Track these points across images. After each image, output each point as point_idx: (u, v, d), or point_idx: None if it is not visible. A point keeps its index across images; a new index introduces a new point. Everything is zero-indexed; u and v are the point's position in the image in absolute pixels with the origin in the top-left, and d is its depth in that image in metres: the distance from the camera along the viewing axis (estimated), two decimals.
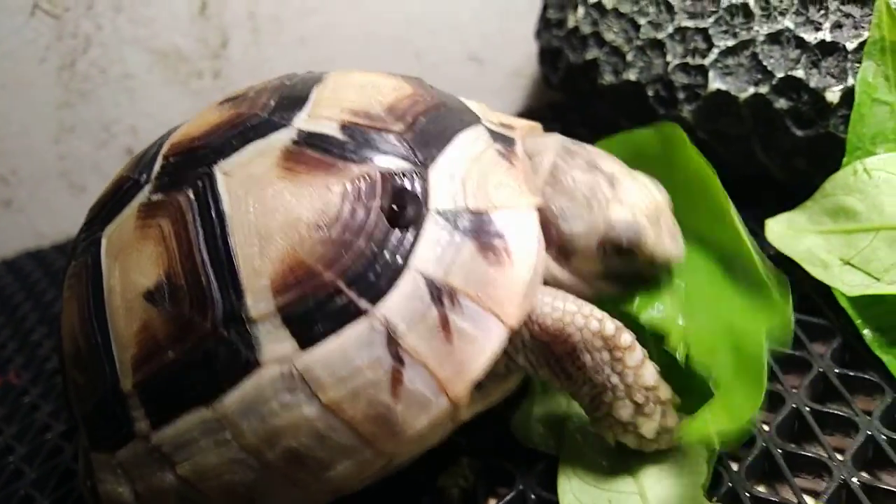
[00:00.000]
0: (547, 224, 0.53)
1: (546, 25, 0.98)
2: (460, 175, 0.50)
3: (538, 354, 0.51)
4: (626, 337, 0.50)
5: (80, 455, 0.58)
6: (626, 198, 0.53)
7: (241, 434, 0.47)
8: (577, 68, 0.89)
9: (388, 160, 0.49)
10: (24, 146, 1.14)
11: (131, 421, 0.51)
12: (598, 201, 0.53)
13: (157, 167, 0.54)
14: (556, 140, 0.58)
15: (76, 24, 1.10)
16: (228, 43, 1.15)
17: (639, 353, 0.51)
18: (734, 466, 0.54)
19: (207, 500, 0.49)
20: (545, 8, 1.00)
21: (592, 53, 0.86)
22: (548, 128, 0.65)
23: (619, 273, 0.55)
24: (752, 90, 0.73)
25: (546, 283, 0.53)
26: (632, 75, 0.82)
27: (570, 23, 0.90)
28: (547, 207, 0.53)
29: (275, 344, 0.46)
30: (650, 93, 0.81)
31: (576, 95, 0.96)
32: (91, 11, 1.10)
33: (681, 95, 0.78)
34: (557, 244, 0.53)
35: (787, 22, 0.72)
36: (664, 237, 0.54)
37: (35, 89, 1.12)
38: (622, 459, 0.54)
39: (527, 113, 1.20)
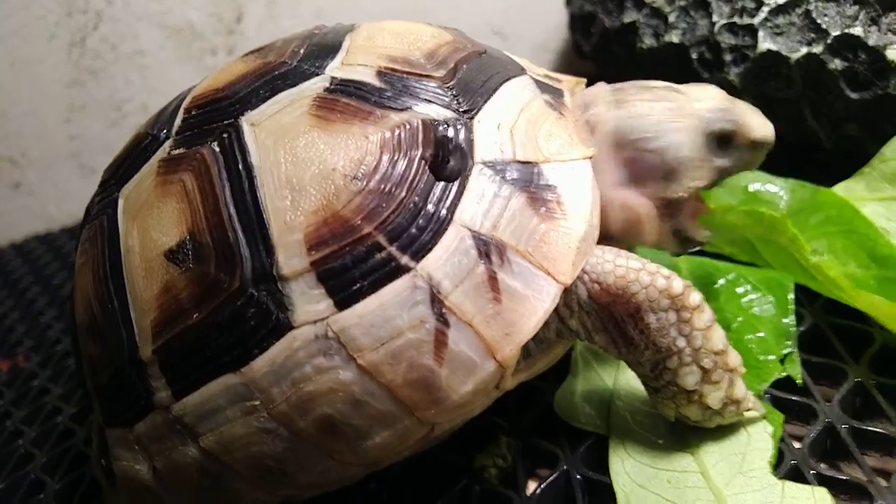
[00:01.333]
0: (638, 158, 0.51)
1: None
2: (507, 124, 0.46)
3: (595, 317, 0.48)
4: (695, 296, 0.47)
5: (95, 433, 0.55)
6: (696, 94, 0.53)
7: (271, 401, 0.44)
8: (613, 33, 0.86)
9: (430, 108, 0.46)
10: (34, 126, 1.12)
11: (151, 391, 0.47)
12: (678, 106, 0.52)
13: (177, 121, 0.51)
14: (602, 85, 0.56)
15: None
16: (243, 17, 1.12)
17: (708, 314, 0.47)
18: (797, 444, 0.50)
19: (233, 474, 0.46)
20: None
21: (631, 16, 0.83)
22: None
23: (727, 172, 0.54)
24: (804, 50, 0.70)
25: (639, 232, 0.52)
26: (674, 37, 0.79)
27: None
28: (632, 138, 0.51)
29: (309, 304, 0.43)
30: (694, 55, 0.78)
31: (610, 63, 0.93)
32: None
33: (727, 57, 0.75)
34: (661, 169, 0.51)
35: None
36: (749, 112, 0.54)
37: (44, 67, 1.10)
38: (678, 437, 0.50)
39: None
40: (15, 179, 1.14)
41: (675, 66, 0.80)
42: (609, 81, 1.00)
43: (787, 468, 0.48)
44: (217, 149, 0.46)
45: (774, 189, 0.65)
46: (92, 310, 0.51)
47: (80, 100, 1.12)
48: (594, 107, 0.53)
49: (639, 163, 0.51)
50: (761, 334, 0.57)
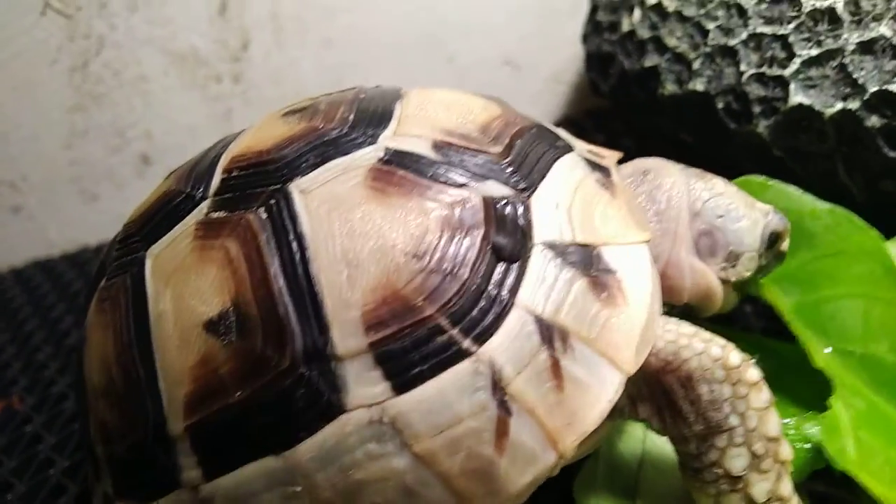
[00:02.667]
0: (711, 232, 0.53)
1: (596, 29, 0.92)
2: (565, 205, 0.45)
3: (642, 387, 0.47)
4: (754, 372, 0.45)
5: (101, 502, 0.52)
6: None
7: (315, 487, 0.41)
8: (633, 76, 0.84)
9: (489, 185, 0.45)
10: (35, 151, 1.08)
11: (178, 468, 0.44)
12: (747, 199, 0.55)
13: (215, 181, 0.48)
14: (660, 160, 0.57)
15: (89, 24, 1.04)
16: (249, 45, 1.10)
17: (766, 394, 0.45)
18: None
19: None
20: (594, 10, 0.94)
21: (652, 60, 0.81)
22: (591, 138, 0.61)
23: (759, 271, 0.56)
24: (839, 106, 0.67)
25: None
26: (699, 85, 0.76)
27: (625, 26, 0.85)
28: (708, 214, 0.54)
29: (365, 386, 0.40)
30: (720, 104, 0.75)
31: (628, 105, 0.91)
32: (104, 11, 1.04)
33: (756, 109, 0.73)
34: (727, 248, 0.54)
35: (883, 29, 0.65)
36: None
37: (46, 92, 1.06)
38: None
39: (566, 121, 1.16)
40: (15, 204, 1.10)
41: (699, 114, 0.79)
42: (628, 120, 0.99)
43: None
44: (264, 215, 0.44)
45: (821, 215, 0.61)
46: (111, 374, 0.48)
47: (81, 125, 1.09)
48: (664, 175, 0.54)
49: (710, 238, 0.53)
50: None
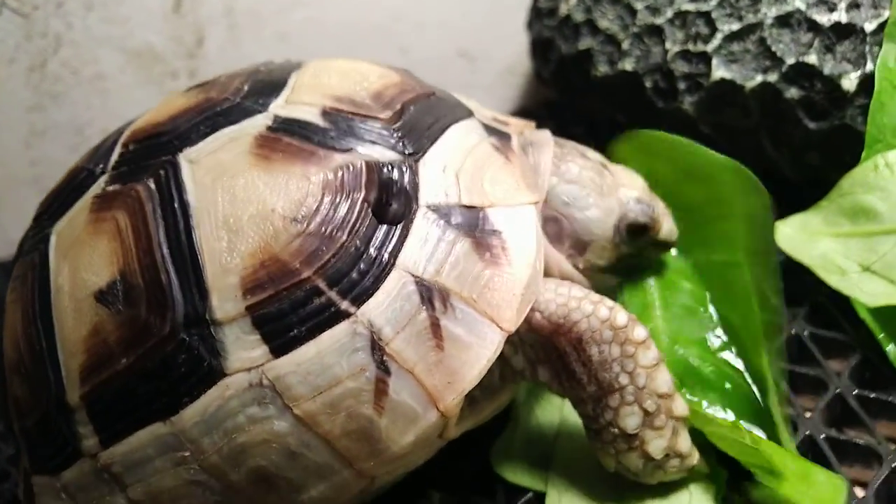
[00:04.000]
0: (558, 219, 0.52)
1: (537, 15, 0.93)
2: (453, 168, 0.46)
3: (539, 350, 0.47)
4: (640, 331, 0.46)
5: (21, 479, 0.52)
6: (624, 180, 0.54)
7: (202, 452, 0.41)
8: (570, 59, 0.84)
9: (375, 150, 0.45)
10: None
11: (78, 438, 0.45)
12: (605, 185, 0.53)
13: (114, 156, 0.49)
14: (547, 134, 0.56)
15: (46, 22, 1.05)
16: (204, 41, 1.10)
17: (654, 352, 0.46)
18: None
19: None
20: None
21: (586, 43, 0.81)
22: (543, 127, 0.61)
23: (626, 259, 0.55)
24: (759, 78, 0.68)
25: None
26: (628, 65, 0.77)
27: (563, 11, 0.85)
28: (556, 199, 0.52)
29: (243, 350, 0.41)
30: (648, 84, 0.76)
31: (569, 90, 0.91)
32: (61, 10, 1.05)
33: (681, 86, 0.73)
34: (572, 237, 0.53)
35: (798, 3, 0.66)
36: (665, 214, 0.56)
37: (4, 92, 1.07)
38: (620, 494, 0.49)
39: (520, 112, 1.15)
40: None
41: (629, 94, 0.79)
42: (571, 108, 0.99)
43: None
44: (153, 186, 0.45)
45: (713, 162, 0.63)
46: (20, 349, 0.48)
47: (40, 124, 1.10)
48: (542, 153, 0.53)
49: (556, 224, 0.52)
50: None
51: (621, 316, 0.45)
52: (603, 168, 0.55)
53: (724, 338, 0.57)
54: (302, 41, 1.14)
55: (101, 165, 0.49)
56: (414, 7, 1.14)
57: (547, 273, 0.50)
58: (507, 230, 0.44)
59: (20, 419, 0.50)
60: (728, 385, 0.54)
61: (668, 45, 0.74)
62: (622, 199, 0.54)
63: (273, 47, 1.12)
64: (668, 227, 0.56)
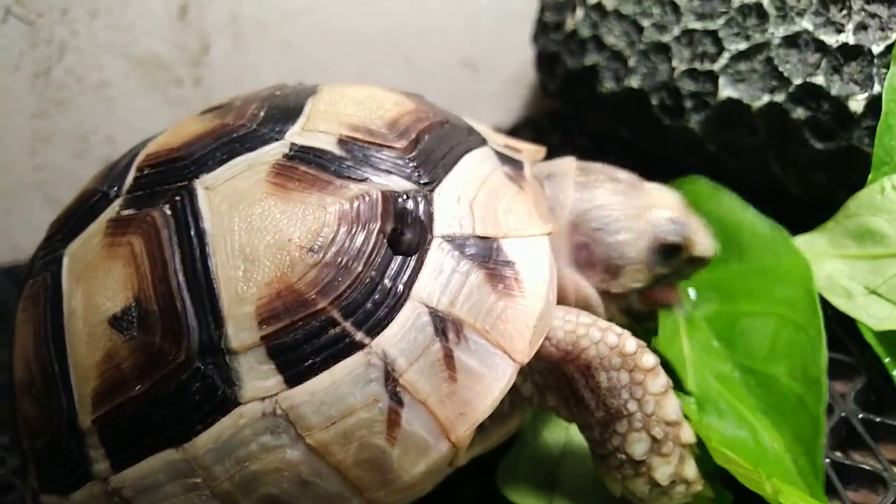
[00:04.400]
0: (588, 245, 0.52)
1: (543, 29, 0.93)
2: (468, 198, 0.46)
3: (547, 376, 0.47)
4: (649, 358, 0.46)
5: (29, 497, 0.52)
6: (656, 199, 0.54)
7: (213, 479, 0.42)
8: (576, 74, 0.85)
9: (390, 179, 0.45)
10: None
11: (89, 461, 0.45)
12: (636, 207, 0.53)
13: (129, 179, 0.49)
14: (571, 162, 0.56)
15: (51, 30, 1.05)
16: (209, 49, 1.11)
17: (662, 379, 0.46)
18: None
19: None
20: (542, 10, 0.95)
21: (592, 59, 0.82)
22: (547, 138, 0.62)
23: (662, 279, 0.54)
24: (766, 98, 0.68)
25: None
26: (634, 82, 0.77)
27: (569, 26, 0.86)
28: (586, 226, 0.52)
29: (258, 379, 0.41)
30: (654, 101, 0.76)
31: (574, 103, 0.92)
32: (66, 17, 1.05)
33: (688, 104, 0.73)
34: (605, 262, 0.52)
35: (806, 23, 0.66)
36: (700, 230, 0.55)
37: (9, 99, 1.07)
38: None
39: (525, 122, 1.16)
40: None
41: (635, 111, 0.79)
42: (577, 120, 0.99)
43: None
44: (169, 212, 0.45)
45: (759, 231, 0.62)
46: (31, 370, 0.49)
47: (45, 131, 1.10)
48: (559, 182, 0.53)
49: (587, 250, 0.52)
50: None
51: (630, 343, 0.46)
52: (633, 189, 0.54)
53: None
54: (307, 50, 1.14)
55: (115, 188, 0.49)
56: (419, 17, 1.15)
57: (563, 298, 0.51)
58: (520, 261, 0.44)
59: (30, 439, 0.50)
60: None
61: (674, 62, 0.74)
62: (653, 220, 0.53)
63: (278, 55, 1.13)
64: (703, 243, 0.55)
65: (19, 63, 1.05)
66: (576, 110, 0.93)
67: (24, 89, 1.07)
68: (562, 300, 0.51)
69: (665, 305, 0.58)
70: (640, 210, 0.53)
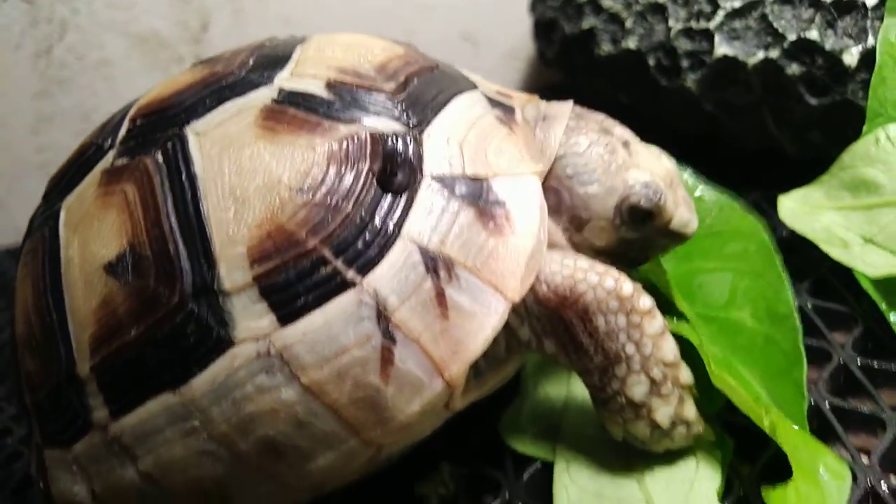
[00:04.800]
0: (559, 191, 0.50)
1: None
2: (457, 139, 0.46)
3: (545, 322, 0.47)
4: (646, 300, 0.46)
5: (33, 453, 0.53)
6: (642, 162, 0.51)
7: (210, 422, 0.42)
8: (574, 39, 0.84)
9: (379, 121, 0.45)
10: (1, 138, 1.09)
11: (88, 410, 0.45)
12: (615, 163, 0.50)
13: (122, 131, 0.50)
14: (567, 106, 0.54)
15: (51, 8, 1.05)
16: (209, 26, 1.11)
17: (659, 321, 0.46)
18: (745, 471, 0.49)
19: (172, 498, 0.44)
20: None
21: (589, 22, 0.81)
22: None
23: (629, 245, 0.52)
24: (761, 55, 0.68)
25: None
26: (631, 43, 0.77)
27: None
28: (560, 171, 0.50)
29: (251, 319, 0.41)
30: (651, 62, 0.76)
31: (572, 70, 0.91)
32: None
33: (684, 63, 0.73)
34: (570, 212, 0.50)
35: None
36: (681, 203, 0.52)
37: (10, 78, 1.08)
38: (627, 463, 0.49)
39: None
40: None
41: (633, 73, 0.79)
42: (576, 90, 1.00)
43: (736, 497, 0.47)
44: (160, 159, 0.45)
45: (707, 199, 0.64)
46: (31, 323, 0.49)
47: (47, 110, 1.10)
48: (551, 123, 0.52)
49: (556, 196, 0.50)
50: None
51: (627, 286, 0.45)
52: (622, 145, 0.52)
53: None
54: (306, 25, 1.14)
55: (108, 140, 0.50)
56: None
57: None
58: (510, 200, 0.44)
59: (32, 393, 0.50)
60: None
61: (671, 22, 0.74)
62: (629, 180, 0.50)
63: (277, 31, 1.12)
64: (682, 217, 0.52)
65: (20, 42, 1.05)
66: (574, 77, 0.93)
67: (25, 68, 1.07)
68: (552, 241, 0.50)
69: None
70: (620, 168, 0.51)
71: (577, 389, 0.55)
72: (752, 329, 0.54)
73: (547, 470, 0.51)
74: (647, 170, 0.51)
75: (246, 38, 1.12)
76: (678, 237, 0.53)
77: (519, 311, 0.46)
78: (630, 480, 0.48)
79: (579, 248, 0.51)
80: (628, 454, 0.49)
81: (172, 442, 0.43)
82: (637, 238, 0.51)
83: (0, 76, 1.06)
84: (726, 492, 0.47)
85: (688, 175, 0.65)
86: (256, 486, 0.43)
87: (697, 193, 0.64)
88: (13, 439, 0.73)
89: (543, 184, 0.48)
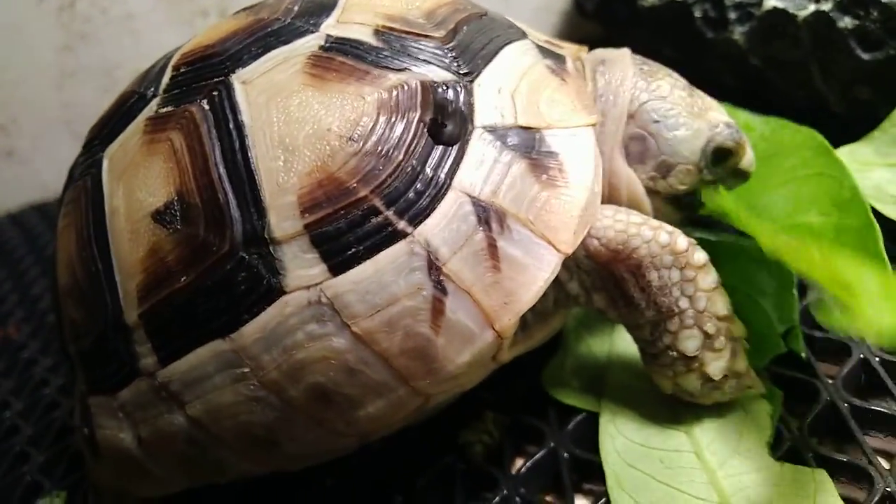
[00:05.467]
0: (644, 136, 0.50)
1: None
2: (509, 89, 0.45)
3: (595, 277, 0.47)
4: (700, 255, 0.45)
5: (77, 400, 0.54)
6: (712, 103, 0.52)
7: (261, 368, 0.42)
8: None
9: (429, 69, 0.44)
10: (24, 93, 1.09)
11: (136, 357, 0.46)
12: (697, 105, 0.51)
13: (165, 79, 0.49)
14: (625, 50, 0.54)
15: None
16: None
17: (713, 275, 0.46)
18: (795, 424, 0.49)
19: (221, 443, 0.45)
20: None
21: None
22: None
23: (709, 185, 0.52)
24: (812, 7, 0.66)
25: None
26: None
27: None
28: (645, 117, 0.50)
29: (302, 268, 0.41)
30: (697, 13, 0.74)
31: (613, 23, 0.89)
32: None
33: (732, 15, 0.71)
34: (657, 157, 0.50)
35: None
36: (749, 146, 0.53)
37: (33, 32, 1.07)
38: (673, 414, 0.49)
39: None
40: (7, 148, 1.11)
41: (678, 25, 0.77)
42: (613, 43, 0.97)
43: (786, 448, 0.47)
44: (207, 107, 0.45)
45: (755, 126, 0.63)
46: (75, 273, 0.49)
47: (70, 66, 1.10)
48: (616, 67, 0.51)
49: (642, 143, 0.50)
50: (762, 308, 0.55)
51: (681, 241, 0.45)
52: (692, 89, 0.52)
53: None
54: None
55: (152, 89, 0.49)
56: None
57: (613, 195, 0.49)
58: (563, 152, 0.43)
59: (76, 341, 0.51)
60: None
61: None
62: (712, 121, 0.50)
63: None
64: (749, 156, 0.53)
65: None
66: (614, 30, 0.91)
67: (48, 23, 1.06)
68: (613, 196, 0.50)
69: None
70: (700, 110, 0.51)
71: (620, 342, 0.55)
72: (821, 224, 0.53)
73: (591, 420, 0.52)
74: (718, 109, 0.51)
75: None
76: (744, 176, 0.54)
77: (569, 264, 0.45)
78: (678, 432, 0.48)
79: (659, 196, 0.51)
80: (675, 406, 0.49)
81: (222, 388, 0.43)
82: (713, 179, 0.52)
83: (22, 31, 1.05)
84: (775, 443, 0.47)
85: (727, 105, 0.64)
86: (305, 431, 0.43)
87: (744, 119, 0.63)
88: (50, 389, 0.75)
89: (627, 131, 0.49)
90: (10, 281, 0.98)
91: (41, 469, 0.64)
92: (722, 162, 0.51)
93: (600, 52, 0.54)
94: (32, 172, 1.15)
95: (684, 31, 0.76)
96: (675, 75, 0.54)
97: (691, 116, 0.50)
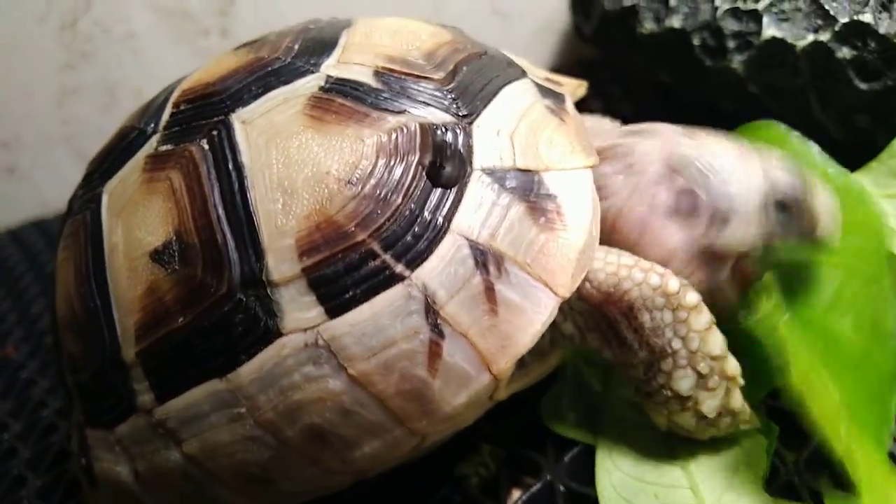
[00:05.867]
0: (692, 191, 0.47)
1: None
2: (507, 131, 0.45)
3: (588, 318, 0.47)
4: (692, 296, 0.45)
5: (74, 431, 0.54)
6: (770, 154, 0.48)
7: (257, 408, 0.42)
8: (614, 16, 0.83)
9: (428, 111, 0.44)
10: (26, 110, 1.09)
11: (133, 394, 0.46)
12: (751, 156, 0.47)
13: (165, 115, 0.49)
14: (665, 126, 0.52)
15: None
16: None
17: (706, 315, 0.46)
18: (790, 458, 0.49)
19: (216, 481, 0.45)
20: None
21: None
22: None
23: (774, 240, 0.48)
24: (811, 38, 0.66)
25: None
26: (675, 22, 0.75)
27: None
28: (691, 169, 0.47)
29: (299, 311, 0.41)
30: (696, 41, 0.74)
31: (610, 48, 0.90)
32: None
33: (730, 44, 0.71)
34: (710, 210, 0.47)
35: None
36: (826, 207, 0.48)
37: (36, 50, 1.07)
38: (669, 449, 0.49)
39: (555, 71, 1.14)
40: (9, 164, 1.12)
41: (676, 52, 0.77)
42: (611, 66, 0.97)
43: (781, 483, 0.47)
44: (206, 146, 0.45)
45: (832, 177, 0.57)
46: (73, 307, 0.49)
47: (72, 83, 1.10)
48: (655, 134, 0.49)
49: (690, 197, 0.47)
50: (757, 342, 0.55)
51: (673, 282, 0.45)
52: (743, 146, 0.48)
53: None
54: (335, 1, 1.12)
55: (152, 125, 0.49)
56: None
57: (645, 248, 0.47)
58: (562, 194, 0.44)
59: (74, 374, 0.51)
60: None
61: (717, 2, 0.72)
62: (773, 169, 0.46)
63: (304, 4, 1.10)
64: (825, 207, 0.47)
65: (46, 14, 1.04)
66: (612, 54, 0.91)
67: (51, 41, 1.07)
68: (624, 244, 0.48)
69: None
70: (757, 158, 0.47)
71: (617, 374, 0.55)
72: (851, 340, 0.50)
73: (587, 452, 0.52)
74: (776, 159, 0.48)
75: (273, 11, 1.11)
76: (816, 242, 0.48)
77: (563, 306, 0.45)
78: (674, 467, 0.48)
79: (713, 260, 0.47)
80: (671, 440, 0.49)
81: (218, 427, 0.43)
82: (783, 232, 0.47)
83: (25, 48, 1.06)
84: (771, 478, 0.47)
85: (813, 148, 0.60)
86: (301, 470, 0.43)
87: (823, 169, 0.58)
88: (49, 411, 0.75)
89: (674, 186, 0.46)
90: (10, 299, 0.98)
91: (38, 494, 0.64)
92: (786, 215, 0.47)
93: (642, 125, 0.52)
94: (33, 188, 1.15)
95: (682, 58, 0.76)
96: (727, 137, 0.50)
97: (744, 166, 0.47)
